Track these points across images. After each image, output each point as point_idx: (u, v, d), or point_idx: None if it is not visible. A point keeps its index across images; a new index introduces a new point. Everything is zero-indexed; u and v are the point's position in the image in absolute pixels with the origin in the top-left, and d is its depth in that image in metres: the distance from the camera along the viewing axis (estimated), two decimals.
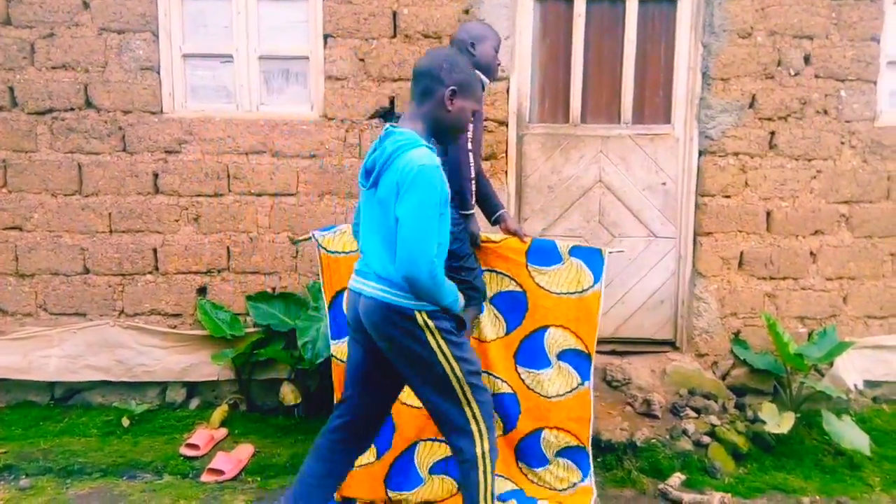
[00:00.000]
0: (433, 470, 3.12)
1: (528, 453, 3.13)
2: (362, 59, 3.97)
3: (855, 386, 4.04)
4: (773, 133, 4.06)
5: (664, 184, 4.13)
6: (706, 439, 3.53)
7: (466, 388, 2.35)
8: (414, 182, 2.14)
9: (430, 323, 2.29)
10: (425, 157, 2.17)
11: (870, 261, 4.19)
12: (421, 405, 2.80)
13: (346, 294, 3.03)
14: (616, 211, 4.14)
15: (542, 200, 4.15)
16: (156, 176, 4.01)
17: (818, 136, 4.08)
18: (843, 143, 4.11)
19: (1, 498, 3.13)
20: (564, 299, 3.14)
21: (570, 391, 3.14)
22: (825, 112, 4.08)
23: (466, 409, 2.36)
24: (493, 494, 2.36)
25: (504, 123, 4.03)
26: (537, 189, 4.14)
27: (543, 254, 3.16)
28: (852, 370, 4.06)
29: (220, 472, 3.31)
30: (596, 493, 3.11)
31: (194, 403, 4.08)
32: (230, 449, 3.53)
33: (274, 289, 4.06)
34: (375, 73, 3.98)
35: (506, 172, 4.05)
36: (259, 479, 3.33)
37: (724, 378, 4.12)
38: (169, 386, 4.09)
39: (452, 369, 2.32)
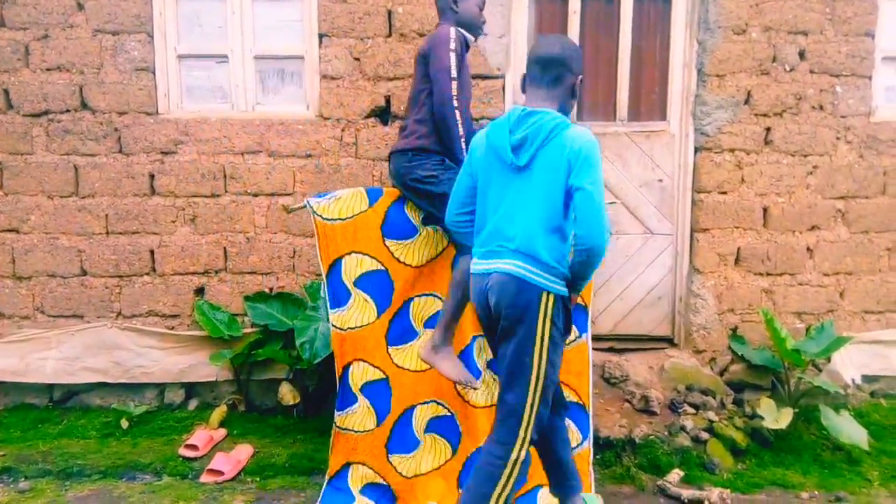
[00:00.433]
0: (427, 429, 3.14)
1: None
2: (357, 59, 3.97)
3: (853, 381, 4.05)
4: (768, 129, 4.07)
5: (661, 180, 4.13)
6: (705, 435, 3.54)
7: (539, 389, 2.31)
8: (588, 157, 2.23)
9: (550, 311, 2.29)
10: (586, 134, 2.29)
11: (866, 256, 4.20)
12: (417, 368, 2.96)
13: (343, 262, 3.01)
14: (613, 208, 4.13)
15: None
16: (152, 177, 4.00)
17: (814, 132, 4.08)
18: (838, 138, 4.11)
19: (0, 500, 3.13)
20: None
21: (569, 343, 3.11)
22: (821, 108, 4.08)
23: (526, 410, 2.31)
24: (505, 501, 2.29)
25: None
26: None
27: None
28: (850, 365, 4.07)
29: (220, 473, 3.31)
30: (593, 457, 3.11)
31: (193, 404, 4.08)
32: (229, 449, 3.53)
33: (271, 289, 4.06)
34: (371, 73, 3.98)
35: None
36: (258, 479, 3.33)
37: (721, 374, 4.12)
38: (167, 387, 4.08)
39: (540, 364, 2.30)
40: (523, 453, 2.32)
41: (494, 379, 3.12)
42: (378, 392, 3.11)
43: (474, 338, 3.16)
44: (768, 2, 3.98)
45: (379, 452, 3.10)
